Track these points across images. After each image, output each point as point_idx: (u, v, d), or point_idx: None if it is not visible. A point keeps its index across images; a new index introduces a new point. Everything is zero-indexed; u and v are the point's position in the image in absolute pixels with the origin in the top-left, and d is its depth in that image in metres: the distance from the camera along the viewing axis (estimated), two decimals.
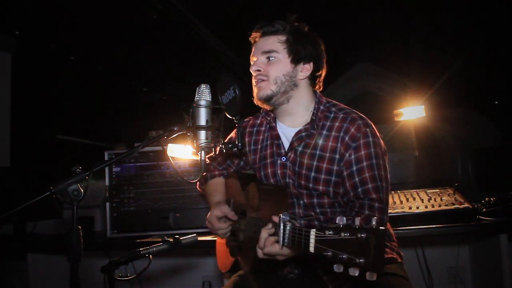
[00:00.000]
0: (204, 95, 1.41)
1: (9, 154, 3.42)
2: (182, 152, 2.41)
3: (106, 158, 2.51)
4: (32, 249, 2.73)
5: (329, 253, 1.04)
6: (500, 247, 2.25)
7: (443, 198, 2.31)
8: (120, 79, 4.68)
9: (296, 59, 1.62)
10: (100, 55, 4.15)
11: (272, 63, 1.62)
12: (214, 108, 1.42)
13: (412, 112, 2.85)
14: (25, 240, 2.75)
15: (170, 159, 1.66)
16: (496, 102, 4.49)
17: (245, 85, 1.66)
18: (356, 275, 0.98)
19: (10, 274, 2.98)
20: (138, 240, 2.41)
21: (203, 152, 1.40)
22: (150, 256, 1.65)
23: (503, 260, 2.24)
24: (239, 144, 1.48)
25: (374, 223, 0.99)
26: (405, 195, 2.42)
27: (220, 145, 1.43)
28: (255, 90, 1.66)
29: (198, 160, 1.41)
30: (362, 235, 0.98)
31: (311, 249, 1.11)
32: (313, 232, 1.11)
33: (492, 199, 2.30)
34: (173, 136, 1.40)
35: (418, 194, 2.41)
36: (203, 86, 1.43)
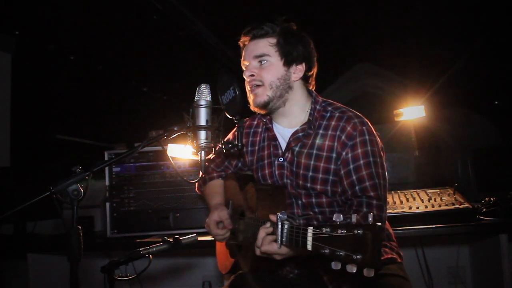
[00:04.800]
0: (204, 95, 1.41)
1: (9, 154, 3.42)
2: (182, 152, 2.40)
3: (106, 158, 2.51)
4: (32, 249, 2.73)
5: (327, 251, 1.04)
6: (500, 247, 2.25)
7: (443, 198, 2.31)
8: (120, 79, 4.68)
9: (288, 61, 1.62)
10: (100, 55, 4.14)
11: (265, 67, 1.61)
12: (214, 108, 1.43)
13: (412, 112, 2.86)
14: (25, 240, 2.75)
15: (170, 159, 1.66)
16: (496, 102, 4.48)
17: (245, 85, 1.67)
18: (354, 271, 0.99)
19: (10, 274, 2.98)
20: (138, 240, 2.41)
21: (203, 152, 1.40)
22: (150, 256, 1.65)
23: (503, 260, 2.24)
24: (239, 144, 1.48)
25: (370, 219, 0.99)
26: (405, 195, 2.42)
27: (220, 145, 1.43)
28: (251, 96, 1.65)
29: (198, 160, 1.41)
30: (358, 231, 0.98)
31: (309, 247, 1.11)
32: (310, 229, 1.11)
33: (492, 199, 2.31)
34: (173, 136, 1.41)
35: (418, 194, 2.41)
36: (203, 86, 1.43)
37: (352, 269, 0.99)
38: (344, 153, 1.56)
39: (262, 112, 1.68)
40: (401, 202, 2.34)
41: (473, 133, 4.24)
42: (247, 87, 1.67)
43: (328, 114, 1.64)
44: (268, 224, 1.35)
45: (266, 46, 1.62)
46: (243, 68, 1.68)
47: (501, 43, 3.82)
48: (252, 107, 1.67)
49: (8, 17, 3.28)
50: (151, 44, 4.02)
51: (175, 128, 1.40)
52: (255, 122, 1.84)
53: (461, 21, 3.63)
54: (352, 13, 3.72)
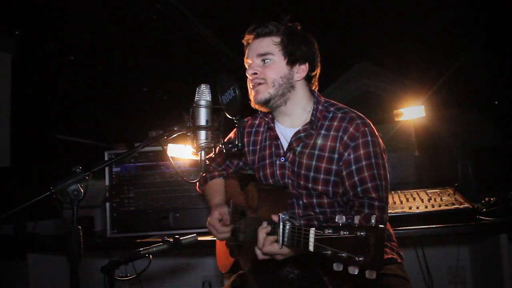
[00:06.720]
0: (204, 95, 1.41)
1: (9, 154, 3.42)
2: (182, 152, 2.40)
3: (106, 158, 2.51)
4: (32, 249, 2.73)
5: (329, 252, 1.04)
6: (500, 247, 2.24)
7: (443, 198, 2.31)
8: (120, 79, 4.68)
9: (291, 61, 1.61)
10: (100, 55, 4.15)
11: (268, 66, 1.61)
12: (214, 108, 1.42)
13: (412, 112, 2.85)
14: (25, 240, 2.75)
15: (170, 159, 1.66)
16: (496, 102, 4.49)
17: (245, 85, 1.66)
18: (356, 273, 0.99)
19: (10, 274, 2.98)
20: (138, 240, 2.40)
21: (203, 152, 1.40)
22: (150, 256, 1.65)
23: (503, 260, 2.23)
24: (239, 144, 1.48)
25: (373, 221, 0.99)
26: (405, 195, 2.41)
27: (220, 145, 1.43)
28: (252, 93, 1.64)
29: (198, 160, 1.41)
30: (361, 233, 0.98)
31: (311, 248, 1.11)
32: (312, 231, 1.11)
33: (492, 199, 2.30)
34: (173, 136, 1.40)
35: (418, 194, 2.41)
36: (203, 86, 1.43)
37: (354, 270, 0.99)
38: (346, 154, 1.56)
39: (263, 109, 1.67)
40: (401, 202, 2.34)
41: (473, 133, 4.25)
42: (249, 85, 1.66)
43: (331, 115, 1.64)
44: (265, 224, 1.35)
45: (270, 44, 1.61)
46: (246, 66, 1.67)
47: (501, 43, 3.83)
48: (252, 104, 1.66)
49: (8, 17, 3.28)
50: (151, 44, 4.03)
51: (175, 128, 1.39)
52: (257, 122, 1.84)
53: (461, 21, 3.64)
54: (353, 13, 3.73)
